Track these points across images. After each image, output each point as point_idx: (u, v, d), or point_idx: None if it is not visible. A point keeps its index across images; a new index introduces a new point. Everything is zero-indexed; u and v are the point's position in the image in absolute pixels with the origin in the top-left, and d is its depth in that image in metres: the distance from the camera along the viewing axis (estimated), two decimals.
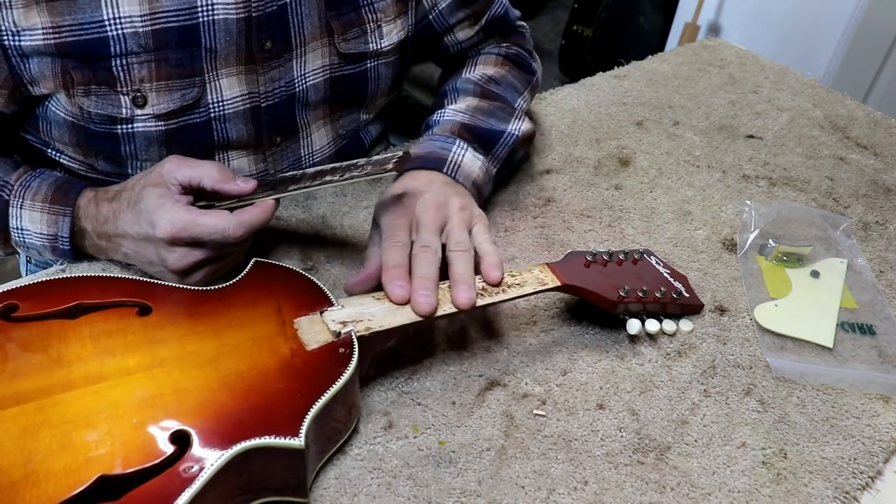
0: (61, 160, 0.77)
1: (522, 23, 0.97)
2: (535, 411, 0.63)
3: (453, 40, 0.91)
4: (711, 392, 0.66)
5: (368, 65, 0.82)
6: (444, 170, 0.74)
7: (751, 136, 1.04)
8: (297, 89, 0.78)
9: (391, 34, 0.82)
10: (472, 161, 0.76)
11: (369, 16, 0.80)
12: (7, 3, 0.63)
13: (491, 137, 0.81)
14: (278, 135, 0.80)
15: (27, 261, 0.97)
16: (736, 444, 0.62)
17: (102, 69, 0.67)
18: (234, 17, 0.70)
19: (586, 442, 0.61)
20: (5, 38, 0.65)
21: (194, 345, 0.56)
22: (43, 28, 0.65)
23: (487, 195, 0.81)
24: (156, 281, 0.63)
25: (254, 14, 0.71)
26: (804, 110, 1.11)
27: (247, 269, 0.65)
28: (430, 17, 0.88)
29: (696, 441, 0.62)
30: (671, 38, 2.47)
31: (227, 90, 0.73)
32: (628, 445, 0.61)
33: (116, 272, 0.71)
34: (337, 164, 0.68)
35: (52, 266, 0.74)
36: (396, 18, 0.82)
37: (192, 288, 0.63)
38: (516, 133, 0.83)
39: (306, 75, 0.78)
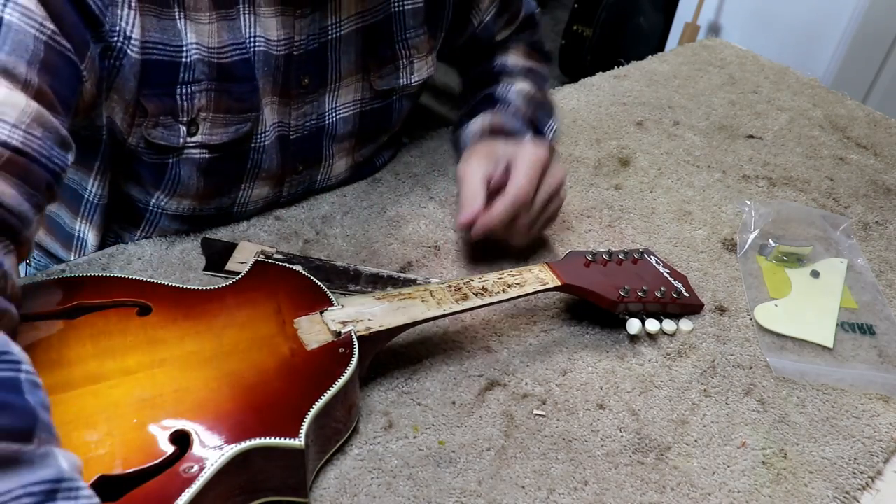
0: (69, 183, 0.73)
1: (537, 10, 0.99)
2: (535, 411, 0.63)
3: (493, 42, 0.93)
4: (711, 392, 0.66)
5: (394, 97, 0.82)
6: None
7: (751, 136, 1.04)
8: (327, 122, 0.78)
9: (421, 70, 0.82)
10: None
11: (403, 52, 0.79)
12: (126, 2, 0.59)
13: (543, 137, 0.84)
14: (301, 164, 0.80)
15: (26, 262, 0.97)
16: (736, 444, 0.62)
17: (167, 96, 0.64)
18: (275, 53, 0.69)
19: (586, 442, 0.61)
20: (115, 38, 0.59)
21: (194, 345, 0.56)
22: (141, 40, 0.61)
23: None
24: (156, 281, 0.63)
25: (294, 53, 0.70)
26: (804, 110, 1.11)
27: (247, 269, 0.64)
28: (477, 31, 0.88)
29: (696, 441, 0.62)
30: (671, 38, 2.47)
31: (269, 121, 0.72)
32: (628, 445, 0.61)
33: (116, 272, 0.71)
34: (396, 275, 0.72)
35: (51, 266, 0.74)
36: (428, 54, 0.82)
37: (193, 288, 0.63)
38: (552, 135, 0.86)
39: (337, 108, 0.78)
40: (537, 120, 0.84)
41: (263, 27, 0.67)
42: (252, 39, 0.67)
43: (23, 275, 0.98)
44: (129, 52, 0.61)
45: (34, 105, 0.50)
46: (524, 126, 0.81)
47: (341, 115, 0.78)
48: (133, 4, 0.60)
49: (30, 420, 0.40)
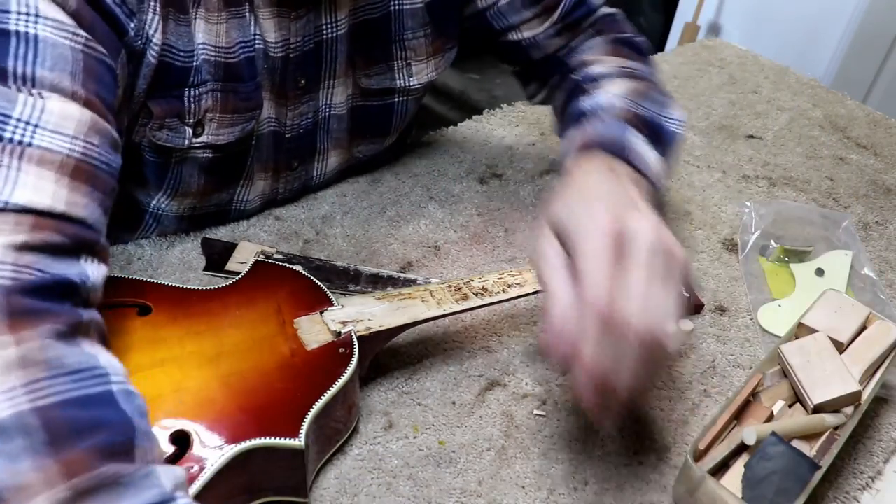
0: None
1: (611, 9, 0.82)
2: (535, 411, 0.63)
3: (527, 41, 0.79)
4: (711, 392, 0.66)
5: (396, 99, 0.81)
6: (627, 156, 0.61)
7: (751, 136, 1.04)
8: (321, 117, 0.77)
9: (421, 74, 0.80)
10: (648, 153, 0.64)
11: (399, 53, 0.77)
12: (149, 6, 0.59)
13: (663, 132, 0.68)
14: (296, 160, 0.80)
15: None
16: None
17: (175, 98, 0.65)
18: (272, 55, 0.69)
19: (586, 442, 0.61)
20: (138, 42, 0.59)
21: (194, 345, 0.56)
22: (160, 45, 0.61)
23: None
24: (156, 281, 0.63)
25: (291, 55, 0.70)
26: (804, 110, 1.11)
27: (247, 269, 0.64)
28: (488, 14, 0.79)
29: None
30: (671, 38, 2.46)
31: (263, 115, 0.72)
32: (629, 446, 0.61)
33: (116, 272, 0.71)
34: (396, 275, 0.70)
35: None
36: (430, 58, 0.79)
37: (193, 288, 0.63)
38: (683, 121, 0.72)
39: (331, 105, 0.77)
40: (647, 116, 0.68)
41: (262, 28, 0.68)
42: (256, 38, 0.68)
43: None
44: (147, 55, 0.61)
45: (87, 113, 0.51)
46: (618, 124, 0.65)
47: (334, 112, 0.78)
48: (157, 10, 0.60)
49: (128, 432, 0.41)
